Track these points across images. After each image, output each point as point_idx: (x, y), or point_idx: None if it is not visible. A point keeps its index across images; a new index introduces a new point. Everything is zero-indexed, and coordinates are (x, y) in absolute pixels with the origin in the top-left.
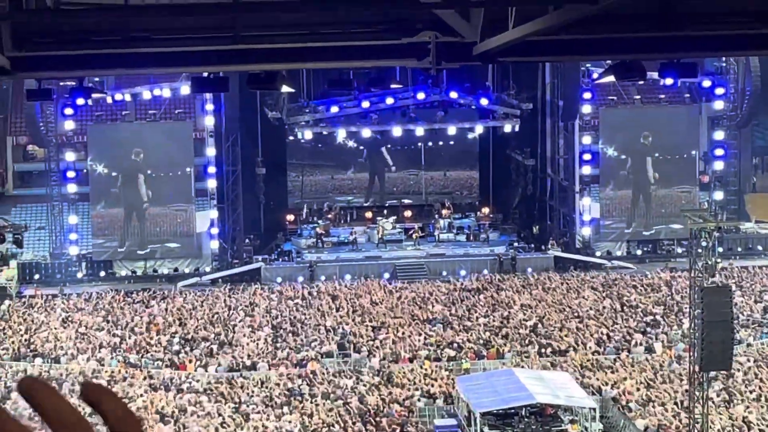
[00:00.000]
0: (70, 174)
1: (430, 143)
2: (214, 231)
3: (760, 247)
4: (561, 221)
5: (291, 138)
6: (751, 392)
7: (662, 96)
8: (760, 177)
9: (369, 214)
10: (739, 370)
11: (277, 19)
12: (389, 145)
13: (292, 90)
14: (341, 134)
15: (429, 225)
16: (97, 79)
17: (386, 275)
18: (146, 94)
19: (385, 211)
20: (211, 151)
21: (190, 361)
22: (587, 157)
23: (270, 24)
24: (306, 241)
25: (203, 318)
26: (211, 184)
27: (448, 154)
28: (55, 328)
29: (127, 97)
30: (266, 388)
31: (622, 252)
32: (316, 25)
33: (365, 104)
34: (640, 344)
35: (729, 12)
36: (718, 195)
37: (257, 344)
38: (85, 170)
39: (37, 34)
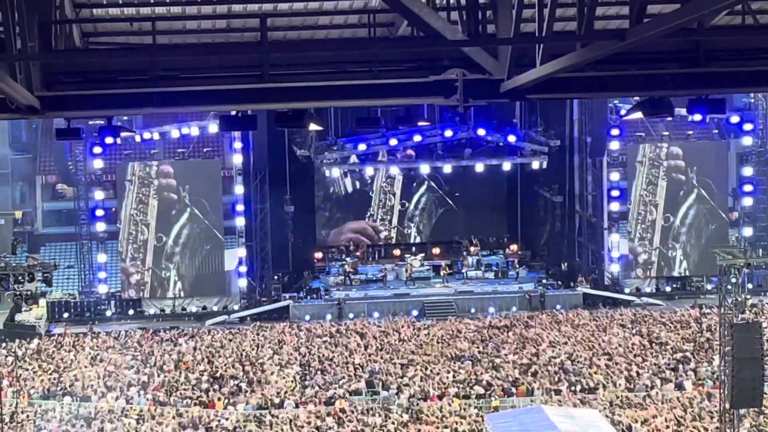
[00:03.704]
0: (99, 212)
1: (457, 180)
2: (243, 269)
3: None
4: (590, 258)
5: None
6: None
7: (690, 132)
8: None
9: (397, 252)
10: None
11: (305, 57)
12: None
13: (320, 128)
14: (369, 171)
15: (457, 262)
16: (125, 118)
17: (414, 312)
18: (174, 133)
19: (413, 249)
20: (239, 189)
21: (219, 399)
22: (615, 193)
23: (298, 62)
24: (334, 279)
25: (232, 356)
26: (240, 222)
27: (476, 192)
28: (84, 367)
29: (156, 136)
30: (295, 426)
31: (651, 289)
32: (344, 64)
33: (393, 142)
34: (670, 381)
35: (756, 48)
36: (748, 231)
37: (285, 382)
38: (113, 209)
39: (66, 73)
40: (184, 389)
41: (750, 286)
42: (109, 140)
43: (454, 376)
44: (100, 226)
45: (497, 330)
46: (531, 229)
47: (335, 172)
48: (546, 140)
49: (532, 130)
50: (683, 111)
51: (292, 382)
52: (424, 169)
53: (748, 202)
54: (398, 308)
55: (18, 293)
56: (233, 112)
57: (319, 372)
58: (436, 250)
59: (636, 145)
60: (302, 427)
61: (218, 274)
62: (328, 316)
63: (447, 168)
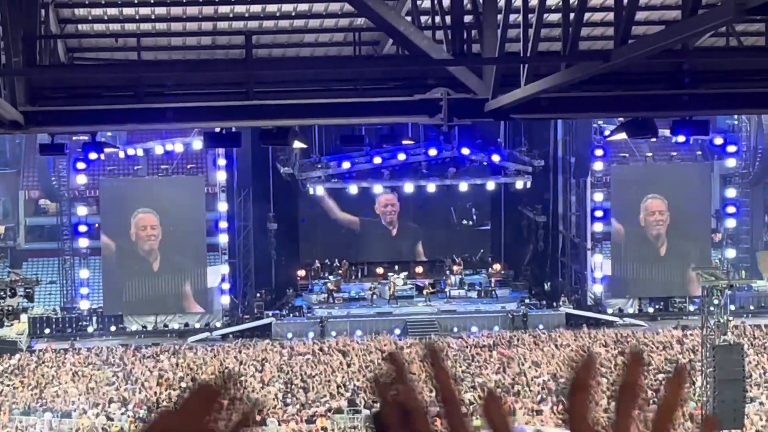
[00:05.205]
0: (82, 228)
1: (441, 199)
2: (225, 286)
3: None
4: (572, 278)
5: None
6: None
7: (674, 153)
8: None
9: (380, 270)
10: (751, 429)
11: (290, 75)
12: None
13: (304, 145)
14: (353, 190)
15: (440, 281)
16: (109, 133)
17: (397, 331)
18: (158, 149)
19: (396, 267)
20: (222, 206)
21: None
22: (599, 214)
23: (283, 80)
24: (317, 297)
25: (213, 373)
26: (223, 239)
27: (459, 211)
28: (66, 383)
29: (140, 152)
30: None
31: (634, 309)
32: (329, 82)
33: (377, 160)
34: (653, 402)
35: (740, 70)
36: (730, 253)
37: (267, 400)
38: (96, 224)
39: (51, 89)
40: (166, 406)
41: (732, 307)
42: (92, 156)
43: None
44: (83, 242)
45: (480, 349)
46: (514, 249)
47: (319, 189)
48: (530, 160)
49: (516, 149)
50: (667, 132)
51: (274, 399)
52: (408, 188)
53: (731, 223)
54: (381, 327)
55: None
56: (218, 129)
57: (301, 390)
58: (419, 269)
59: (619, 165)
60: None
61: (201, 290)
62: (311, 334)
63: (431, 187)
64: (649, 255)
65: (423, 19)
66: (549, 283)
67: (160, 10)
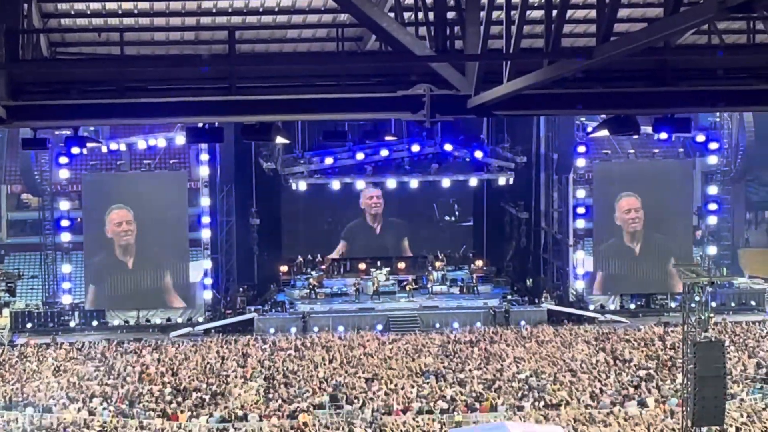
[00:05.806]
0: (64, 223)
1: (424, 195)
2: (208, 281)
3: (753, 302)
4: (554, 274)
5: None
6: None
7: (656, 150)
8: (754, 232)
9: (363, 266)
10: (731, 425)
11: (273, 70)
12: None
13: (287, 141)
14: (335, 185)
15: (422, 277)
16: (92, 128)
17: (379, 327)
18: (141, 144)
19: (379, 263)
20: (205, 201)
21: (182, 412)
22: (581, 210)
23: (265, 75)
24: (299, 292)
25: (195, 368)
26: (205, 234)
27: (442, 207)
28: (47, 378)
29: (122, 147)
30: None
31: (616, 306)
32: (312, 77)
33: (360, 156)
34: (633, 398)
35: (722, 68)
36: (712, 250)
37: (249, 395)
38: (79, 219)
39: (33, 83)
40: (147, 401)
41: (713, 304)
42: (75, 150)
43: (418, 391)
44: (65, 237)
45: (462, 345)
46: (496, 245)
47: (302, 185)
48: (512, 156)
49: (498, 146)
50: (649, 129)
51: (255, 395)
52: (391, 183)
53: (712, 220)
54: (363, 322)
55: None
56: (200, 124)
57: (282, 385)
58: (402, 265)
59: (602, 162)
60: None
61: (183, 285)
62: (293, 330)
63: (414, 183)
64: (627, 252)
65: (406, 15)
66: (531, 280)
67: (143, 5)
